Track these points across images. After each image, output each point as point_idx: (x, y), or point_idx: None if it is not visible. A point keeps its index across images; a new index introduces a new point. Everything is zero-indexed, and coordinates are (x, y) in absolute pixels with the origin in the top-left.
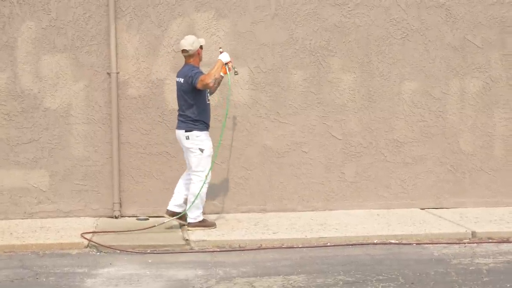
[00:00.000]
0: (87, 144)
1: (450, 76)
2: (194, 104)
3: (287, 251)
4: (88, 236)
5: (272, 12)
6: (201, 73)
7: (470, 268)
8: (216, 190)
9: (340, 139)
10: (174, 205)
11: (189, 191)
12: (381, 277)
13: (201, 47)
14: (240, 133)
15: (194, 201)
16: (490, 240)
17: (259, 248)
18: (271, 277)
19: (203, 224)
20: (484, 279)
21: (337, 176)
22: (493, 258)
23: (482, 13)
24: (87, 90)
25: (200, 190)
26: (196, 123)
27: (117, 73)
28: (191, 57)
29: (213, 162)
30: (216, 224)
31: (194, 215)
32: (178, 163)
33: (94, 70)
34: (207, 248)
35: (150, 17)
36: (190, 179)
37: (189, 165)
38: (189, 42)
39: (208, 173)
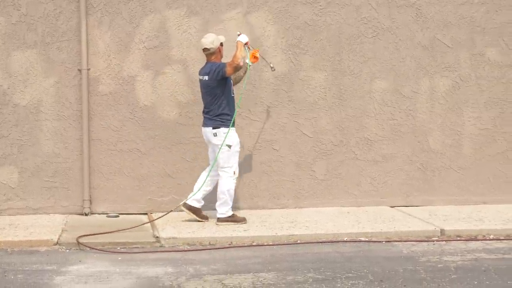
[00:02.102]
0: (57, 140)
1: (420, 75)
2: (221, 97)
3: (258, 249)
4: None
5: (244, 9)
6: (224, 63)
7: (439, 265)
8: (187, 187)
9: (311, 137)
10: (193, 199)
11: (217, 187)
12: (350, 275)
13: (221, 44)
14: None
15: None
16: (459, 238)
17: (229, 246)
18: (241, 275)
19: (232, 219)
20: (452, 277)
21: (307, 174)
22: (461, 255)
23: (452, 12)
24: (58, 87)
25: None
26: (223, 119)
27: (88, 69)
28: (213, 55)
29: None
30: (246, 219)
31: (223, 210)
32: (149, 160)
33: (65, 67)
34: (178, 245)
35: (121, 13)
36: (218, 175)
37: (213, 161)
38: (210, 41)
39: (236, 169)
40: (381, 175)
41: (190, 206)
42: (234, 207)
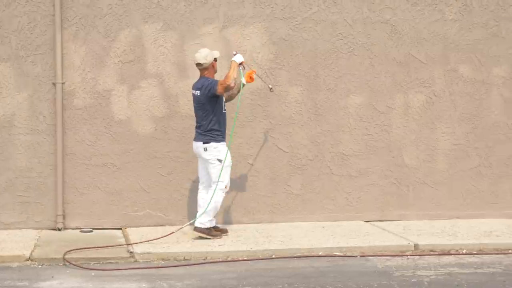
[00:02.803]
0: (31, 155)
1: (394, 90)
2: (211, 113)
3: (233, 264)
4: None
5: (220, 24)
6: (216, 80)
7: (412, 280)
8: (162, 202)
9: (286, 152)
10: (205, 222)
11: (207, 198)
12: None
13: (215, 59)
14: (187, 144)
15: (206, 208)
16: (432, 253)
17: (204, 261)
18: None
19: (207, 232)
20: None
21: (283, 188)
22: (434, 270)
23: (426, 29)
24: (31, 100)
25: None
26: (213, 134)
27: (63, 83)
28: (206, 70)
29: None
30: (222, 235)
31: (203, 220)
32: (124, 175)
33: (39, 80)
34: (152, 261)
35: (97, 27)
36: (212, 189)
37: (203, 178)
38: (203, 56)
39: (227, 183)
40: (356, 190)
41: (208, 228)
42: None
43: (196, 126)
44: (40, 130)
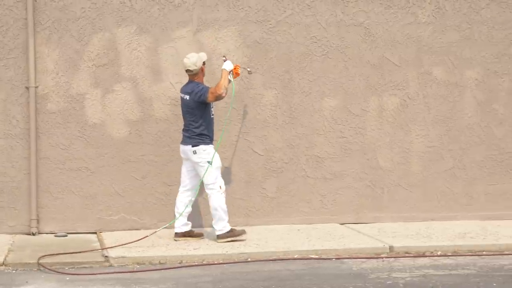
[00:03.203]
0: (4, 159)
1: (369, 93)
2: (200, 118)
3: (208, 267)
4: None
5: (194, 28)
6: (207, 87)
7: (388, 282)
8: (137, 206)
9: (261, 155)
10: (181, 225)
11: (210, 206)
12: None
13: (203, 63)
14: (162, 148)
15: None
16: (407, 255)
17: (180, 265)
18: None
19: (231, 234)
20: None
21: (258, 191)
22: (409, 272)
23: (400, 32)
24: (4, 104)
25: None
26: (202, 137)
27: (36, 87)
28: (195, 75)
29: (200, 181)
30: (246, 231)
31: (220, 227)
32: (98, 179)
33: (12, 84)
34: (127, 265)
35: (70, 31)
36: (191, 194)
37: (186, 181)
38: (193, 62)
39: (221, 183)
40: (331, 192)
41: (183, 233)
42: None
43: (183, 130)
44: (14, 134)
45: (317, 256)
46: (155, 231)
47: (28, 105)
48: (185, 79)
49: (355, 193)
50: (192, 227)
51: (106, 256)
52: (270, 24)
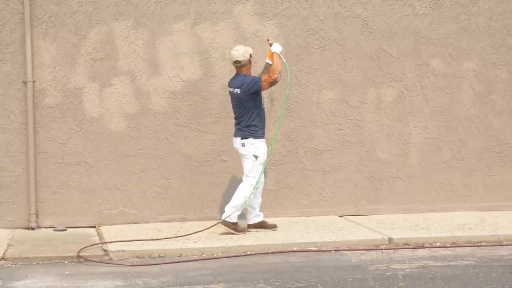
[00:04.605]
0: (2, 154)
1: (366, 85)
2: (250, 110)
3: (208, 260)
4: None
5: (191, 21)
6: (258, 77)
7: (387, 273)
8: (136, 199)
9: None
10: (252, 217)
11: (237, 191)
12: (300, 284)
13: (250, 55)
14: (160, 142)
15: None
16: (406, 246)
17: (180, 258)
18: (191, 286)
19: (233, 226)
20: (400, 284)
21: None
22: (408, 263)
23: (397, 24)
24: (2, 99)
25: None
26: (252, 130)
27: (33, 81)
28: (244, 67)
29: (265, 164)
30: (246, 230)
31: (229, 213)
32: (97, 173)
33: (9, 79)
34: (127, 258)
35: (67, 25)
36: (242, 182)
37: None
38: (241, 53)
39: (258, 180)
40: (329, 184)
41: (255, 224)
42: (183, 218)
43: (235, 123)
44: (11, 129)
45: (316, 248)
46: (213, 225)
47: (26, 100)
48: (182, 72)
49: (354, 185)
50: (143, 220)
51: (105, 250)
52: (267, 16)
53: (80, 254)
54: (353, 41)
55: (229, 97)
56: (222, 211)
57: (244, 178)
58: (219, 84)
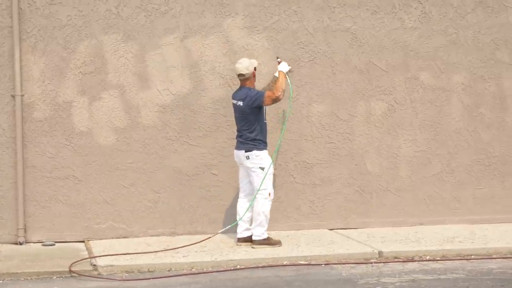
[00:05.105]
0: None
1: (356, 98)
2: (253, 124)
3: (197, 275)
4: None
5: (181, 34)
6: (262, 92)
7: (377, 287)
8: (125, 214)
9: None
10: (242, 231)
11: (253, 210)
12: None
13: (254, 68)
14: (149, 155)
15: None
16: (396, 260)
17: (169, 273)
18: None
19: (267, 242)
20: None
21: None
22: (399, 277)
23: (386, 37)
24: None
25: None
26: (255, 143)
27: (22, 95)
28: (248, 80)
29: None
30: (281, 242)
31: (259, 233)
32: (85, 187)
33: None
34: (116, 273)
35: (56, 38)
36: (255, 198)
37: (244, 186)
38: (245, 66)
39: (271, 191)
40: (319, 198)
41: (245, 238)
42: (172, 232)
43: (237, 136)
44: (0, 143)
45: (306, 262)
46: (209, 237)
47: (14, 114)
48: (171, 86)
49: (344, 199)
50: (132, 235)
51: (94, 265)
52: (257, 30)
53: (72, 269)
54: (342, 54)
55: (220, 110)
56: (211, 224)
57: (256, 194)
58: (209, 98)
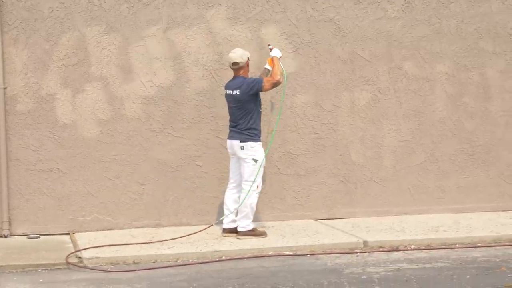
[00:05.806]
0: None
1: (340, 88)
2: (250, 113)
3: (183, 266)
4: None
5: (164, 26)
6: (259, 78)
7: (362, 277)
8: (110, 206)
9: None
10: (228, 222)
11: (240, 200)
12: None
13: (248, 58)
14: (133, 147)
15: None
16: (381, 249)
17: (154, 264)
18: None
19: (253, 233)
20: (375, 287)
21: None
22: (384, 266)
23: (370, 27)
24: None
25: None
26: (251, 133)
27: (5, 88)
28: (241, 69)
29: (260, 167)
30: (267, 233)
31: (244, 224)
32: (70, 180)
33: None
34: (101, 265)
35: (38, 31)
36: (241, 189)
37: (235, 177)
38: (239, 55)
39: (259, 183)
40: (304, 188)
41: (231, 229)
42: (157, 224)
43: (231, 126)
44: None
45: (291, 253)
46: (204, 228)
47: None
48: (155, 78)
49: (329, 189)
50: (117, 227)
51: (79, 257)
52: (240, 21)
53: (68, 260)
54: (326, 44)
55: (204, 102)
56: (197, 216)
57: (243, 184)
58: (192, 89)
